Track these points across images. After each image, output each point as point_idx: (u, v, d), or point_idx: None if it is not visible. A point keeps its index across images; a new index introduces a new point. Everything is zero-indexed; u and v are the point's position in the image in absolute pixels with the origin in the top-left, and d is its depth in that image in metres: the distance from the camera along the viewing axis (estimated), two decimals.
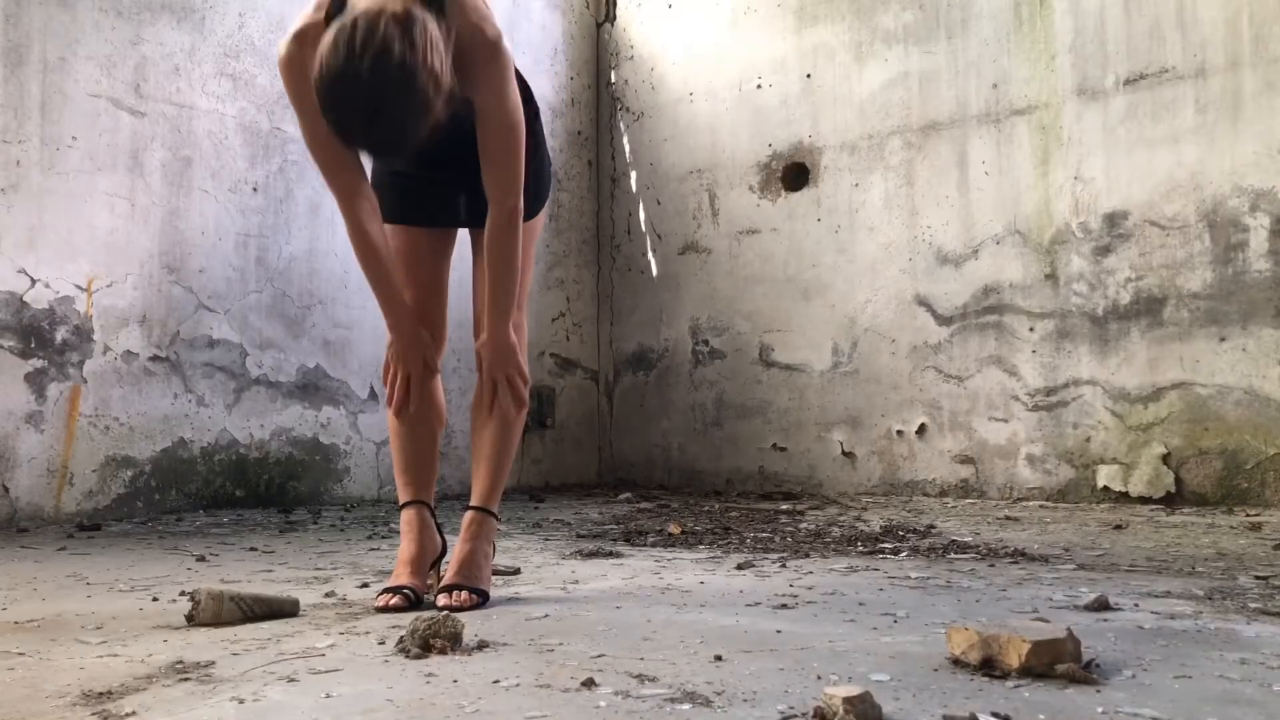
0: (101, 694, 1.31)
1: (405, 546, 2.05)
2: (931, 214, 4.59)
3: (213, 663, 1.48)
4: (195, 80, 4.05)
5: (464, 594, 1.94)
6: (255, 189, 4.21)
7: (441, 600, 1.93)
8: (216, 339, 4.06)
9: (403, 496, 2.13)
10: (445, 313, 2.18)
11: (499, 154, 1.87)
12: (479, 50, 1.80)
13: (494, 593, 2.07)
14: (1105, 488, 4.07)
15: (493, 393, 2.03)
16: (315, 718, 1.20)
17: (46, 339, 3.59)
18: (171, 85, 3.98)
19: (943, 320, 4.53)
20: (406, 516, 2.10)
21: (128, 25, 3.86)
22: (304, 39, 1.81)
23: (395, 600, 1.92)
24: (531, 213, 2.14)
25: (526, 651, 1.54)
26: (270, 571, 2.46)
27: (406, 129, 1.66)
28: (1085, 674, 1.31)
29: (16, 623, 1.81)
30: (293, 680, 1.37)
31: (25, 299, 3.55)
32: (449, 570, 2.02)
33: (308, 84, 1.73)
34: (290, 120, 4.33)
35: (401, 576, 2.00)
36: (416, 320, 2.04)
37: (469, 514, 2.08)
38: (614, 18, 5.74)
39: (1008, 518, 3.72)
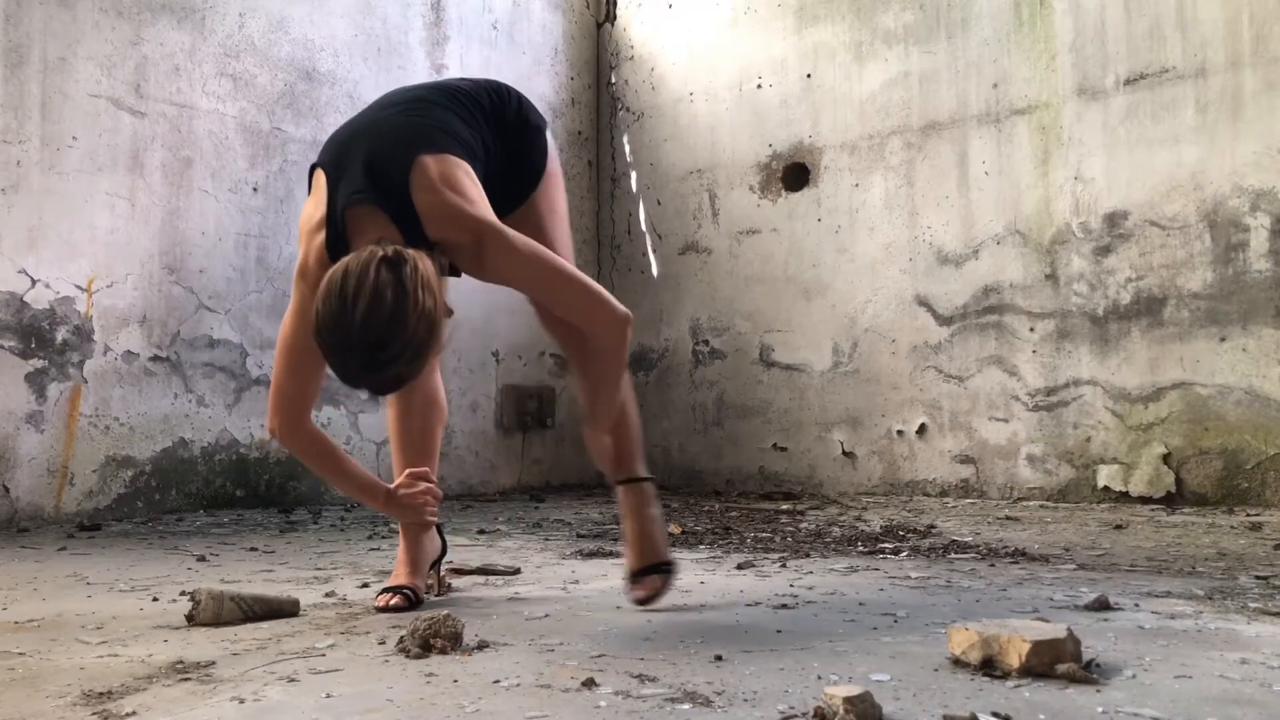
0: (101, 694, 1.31)
1: (405, 546, 2.06)
2: (931, 214, 4.59)
3: (213, 663, 1.48)
4: (195, 80, 4.05)
5: (654, 580, 1.91)
6: (255, 189, 4.21)
7: (637, 594, 1.90)
8: (217, 339, 4.06)
9: None
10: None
11: (560, 292, 1.80)
12: (476, 245, 1.74)
13: (493, 593, 2.07)
14: (1105, 488, 4.07)
15: None
16: (315, 718, 1.20)
17: (47, 339, 3.59)
18: (172, 85, 3.98)
19: (943, 320, 4.53)
20: None
21: (128, 25, 3.86)
22: (319, 260, 1.76)
23: (395, 600, 1.92)
24: (529, 188, 2.02)
25: (527, 651, 1.54)
26: (270, 571, 2.46)
27: (402, 371, 1.64)
28: (1085, 674, 1.31)
29: (16, 623, 1.81)
30: (293, 680, 1.37)
31: (25, 299, 3.55)
32: (627, 555, 1.96)
33: (312, 296, 1.71)
34: (290, 120, 4.34)
35: (401, 576, 2.01)
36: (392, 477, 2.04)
37: (619, 490, 1.98)
38: (614, 18, 5.74)
39: (1008, 518, 3.72)
